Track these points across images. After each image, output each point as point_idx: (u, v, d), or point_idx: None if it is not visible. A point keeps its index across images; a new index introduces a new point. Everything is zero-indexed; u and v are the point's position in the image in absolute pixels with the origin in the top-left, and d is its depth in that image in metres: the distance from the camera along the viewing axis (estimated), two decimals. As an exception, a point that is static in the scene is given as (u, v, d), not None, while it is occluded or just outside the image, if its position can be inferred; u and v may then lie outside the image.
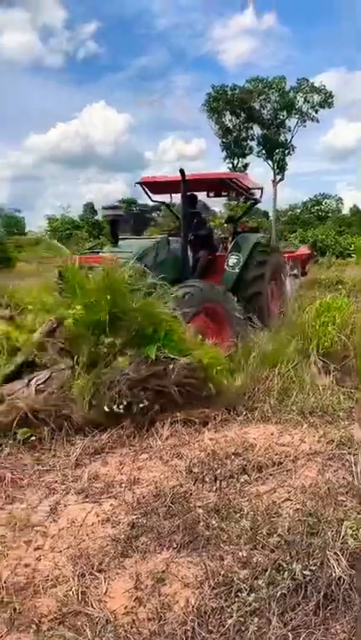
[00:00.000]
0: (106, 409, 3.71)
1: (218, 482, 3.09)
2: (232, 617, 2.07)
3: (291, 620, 2.04)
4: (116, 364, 3.84)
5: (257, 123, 51.77)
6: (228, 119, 53.16)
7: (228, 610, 2.11)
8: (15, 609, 2.21)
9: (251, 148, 52.10)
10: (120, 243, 6.32)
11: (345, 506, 2.78)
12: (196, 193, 7.40)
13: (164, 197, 7.84)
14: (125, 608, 2.20)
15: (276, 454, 3.40)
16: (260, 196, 7.80)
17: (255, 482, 3.12)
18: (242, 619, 2.06)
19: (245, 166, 52.27)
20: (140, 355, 3.87)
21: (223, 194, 8.18)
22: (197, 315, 5.56)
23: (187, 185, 6.38)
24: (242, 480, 3.13)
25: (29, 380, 3.86)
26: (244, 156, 52.66)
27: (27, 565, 2.51)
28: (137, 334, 3.97)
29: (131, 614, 2.16)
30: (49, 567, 2.48)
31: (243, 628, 2.02)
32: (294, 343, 5.04)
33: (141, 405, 3.77)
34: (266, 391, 4.36)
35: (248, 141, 52.02)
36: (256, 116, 51.24)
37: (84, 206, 52.38)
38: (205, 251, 7.13)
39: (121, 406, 3.71)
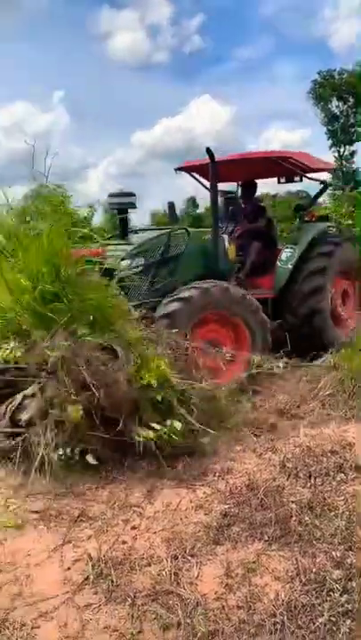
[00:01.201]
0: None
1: (313, 478, 3.04)
2: (323, 616, 2.04)
3: (385, 625, 1.97)
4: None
5: (367, 106, 49.07)
6: (335, 105, 51.16)
7: (319, 608, 2.09)
8: (113, 581, 2.35)
9: (359, 135, 49.65)
10: (135, 235, 5.81)
11: None
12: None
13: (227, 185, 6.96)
14: (215, 593, 2.25)
15: (375, 454, 3.27)
16: (333, 177, 6.66)
17: (352, 481, 3.02)
18: (333, 618, 2.03)
19: (352, 154, 49.98)
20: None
21: (296, 178, 6.61)
22: (204, 322, 4.98)
23: (215, 169, 5.51)
24: (338, 478, 3.05)
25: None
26: (351, 142, 50.34)
27: (124, 542, 2.65)
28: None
29: (221, 600, 2.21)
30: (144, 546, 2.61)
31: (334, 628, 1.99)
32: None
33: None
34: (367, 389, 4.19)
35: (356, 127, 49.72)
36: (364, 99, 48.59)
37: (186, 201, 53.11)
38: (259, 244, 6.33)
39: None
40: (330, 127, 51.76)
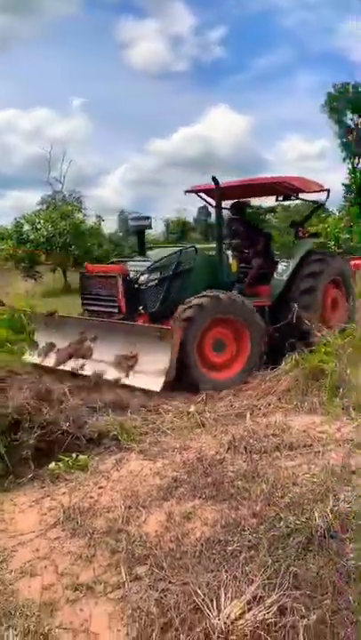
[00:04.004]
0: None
1: (251, 454, 3.67)
2: (232, 546, 2.67)
3: (277, 553, 2.58)
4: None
5: (380, 121, 49.46)
6: (350, 118, 51.79)
7: (231, 541, 2.72)
8: (78, 522, 3.01)
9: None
10: (149, 252, 6.62)
11: (355, 483, 3.21)
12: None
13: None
14: (156, 532, 2.89)
15: (309, 438, 3.88)
16: (327, 198, 7.40)
17: (285, 458, 3.64)
18: (239, 548, 2.65)
19: (366, 166, 50.44)
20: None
21: (292, 197, 7.60)
22: (213, 325, 5.68)
23: (220, 193, 6.37)
24: (274, 455, 3.67)
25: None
26: (365, 155, 50.93)
27: (91, 497, 3.31)
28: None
29: (159, 536, 2.85)
30: (107, 500, 3.26)
31: (238, 555, 2.61)
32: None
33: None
34: (318, 387, 4.80)
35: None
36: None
37: (199, 209, 53.99)
38: (259, 259, 7.04)
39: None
40: (344, 140, 52.41)
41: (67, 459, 3.69)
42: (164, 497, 3.26)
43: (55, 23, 64.21)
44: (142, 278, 5.96)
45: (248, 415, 4.39)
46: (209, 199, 7.51)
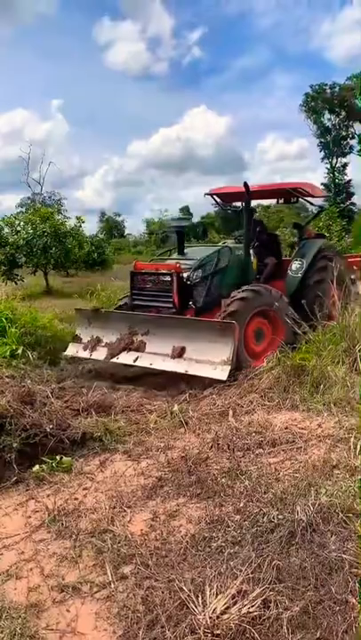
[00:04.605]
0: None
1: (234, 452, 3.71)
2: (217, 542, 2.71)
3: (261, 547, 2.62)
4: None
5: (358, 120, 50.17)
6: (327, 118, 52.37)
7: (215, 538, 2.75)
8: (62, 524, 3.01)
9: (351, 147, 50.86)
10: (186, 250, 7.01)
11: (336, 477, 3.28)
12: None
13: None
14: (141, 531, 2.91)
15: (291, 434, 3.94)
16: (327, 202, 8.11)
17: (267, 455, 3.70)
18: (223, 544, 2.69)
19: (344, 166, 51.11)
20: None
21: (292, 200, 8.38)
22: (255, 316, 6.10)
23: (250, 196, 6.96)
24: (256, 452, 3.72)
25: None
26: (343, 155, 51.57)
27: (75, 499, 3.32)
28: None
29: (144, 535, 2.87)
30: (91, 501, 3.27)
31: (222, 551, 2.64)
32: (342, 343, 5.44)
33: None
34: (300, 384, 4.87)
35: (348, 140, 50.93)
36: (356, 113, 49.71)
37: (181, 210, 54.20)
38: (272, 257, 7.60)
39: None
40: (322, 140, 53.05)
41: (50, 461, 3.69)
42: (148, 496, 3.28)
43: (33, 24, 63.80)
44: (192, 275, 6.37)
45: (231, 413, 4.43)
46: (220, 201, 8.22)
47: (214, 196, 8.12)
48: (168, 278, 6.30)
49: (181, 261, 6.64)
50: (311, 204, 8.34)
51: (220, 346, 5.37)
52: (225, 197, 8.19)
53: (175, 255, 7.17)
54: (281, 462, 3.58)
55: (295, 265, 7.31)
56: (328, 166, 52.09)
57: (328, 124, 52.40)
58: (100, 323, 6.64)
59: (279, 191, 7.90)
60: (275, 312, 6.22)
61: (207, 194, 8.06)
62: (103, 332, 6.49)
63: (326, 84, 51.07)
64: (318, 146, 53.00)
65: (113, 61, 69.43)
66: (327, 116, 52.17)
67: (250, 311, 6.00)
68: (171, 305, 6.26)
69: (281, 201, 8.57)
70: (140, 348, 6.00)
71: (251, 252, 7.09)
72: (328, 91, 51.25)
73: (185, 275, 6.37)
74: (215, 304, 6.27)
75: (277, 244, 8.16)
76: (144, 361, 5.85)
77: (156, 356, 5.79)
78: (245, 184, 6.82)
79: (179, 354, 5.62)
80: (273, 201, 9.10)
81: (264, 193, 7.91)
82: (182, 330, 5.75)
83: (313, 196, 7.91)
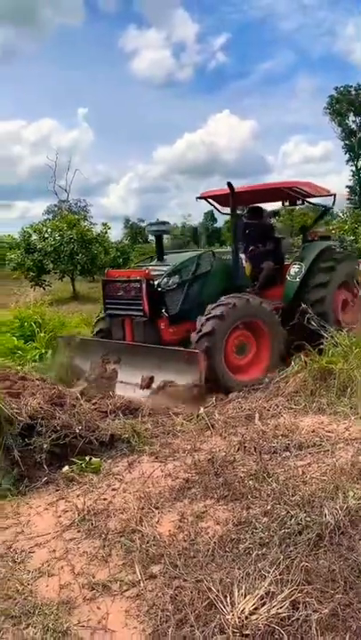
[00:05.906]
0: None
1: (261, 455, 3.71)
2: (244, 544, 2.72)
3: (288, 549, 2.63)
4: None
5: (383, 122, 49.60)
6: (352, 120, 51.89)
7: (243, 539, 2.76)
8: (92, 524, 3.07)
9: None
10: (166, 257, 6.73)
11: (365, 480, 3.25)
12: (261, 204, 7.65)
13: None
14: (169, 531, 2.94)
15: (318, 437, 3.93)
16: (333, 203, 7.60)
17: (294, 457, 3.69)
18: (251, 546, 2.70)
19: (369, 168, 50.48)
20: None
21: (298, 202, 7.80)
22: (235, 330, 5.81)
23: (235, 198, 6.51)
24: (283, 455, 3.72)
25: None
26: (368, 157, 50.98)
27: (104, 499, 3.37)
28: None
29: (172, 536, 2.90)
30: (120, 501, 3.32)
31: (250, 552, 2.66)
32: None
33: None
34: (326, 387, 4.84)
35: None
36: (382, 115, 49.16)
37: (205, 214, 54.40)
38: (270, 261, 7.19)
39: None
40: (347, 142, 52.54)
41: (80, 462, 3.76)
42: (176, 497, 3.31)
43: (59, 34, 65.00)
44: (163, 282, 6.08)
45: (257, 416, 4.44)
46: (217, 205, 7.79)
47: (209, 200, 7.73)
48: (138, 285, 6.02)
49: (157, 267, 6.40)
50: (312, 204, 7.87)
51: (189, 376, 5.11)
52: (220, 201, 7.66)
53: (154, 262, 6.88)
54: (308, 465, 3.57)
55: (294, 269, 7.02)
56: (353, 168, 51.61)
57: (353, 126, 51.97)
58: (78, 351, 6.33)
59: (273, 192, 7.37)
60: (259, 324, 5.98)
61: (199, 197, 7.70)
62: (80, 361, 6.21)
63: (351, 86, 50.71)
64: (343, 148, 52.62)
65: (138, 69, 70.41)
66: (352, 117, 51.77)
67: (228, 327, 5.70)
68: (141, 313, 5.98)
69: (286, 203, 7.88)
70: (112, 377, 5.73)
71: (243, 256, 6.79)
72: (353, 92, 50.82)
73: (163, 281, 6.08)
74: (198, 311, 5.90)
75: (279, 248, 7.62)
76: (117, 391, 5.50)
77: (126, 386, 5.51)
78: (229, 184, 6.35)
79: (147, 384, 5.36)
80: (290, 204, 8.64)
81: (255, 194, 7.41)
82: (151, 359, 5.49)
83: (313, 196, 7.40)
